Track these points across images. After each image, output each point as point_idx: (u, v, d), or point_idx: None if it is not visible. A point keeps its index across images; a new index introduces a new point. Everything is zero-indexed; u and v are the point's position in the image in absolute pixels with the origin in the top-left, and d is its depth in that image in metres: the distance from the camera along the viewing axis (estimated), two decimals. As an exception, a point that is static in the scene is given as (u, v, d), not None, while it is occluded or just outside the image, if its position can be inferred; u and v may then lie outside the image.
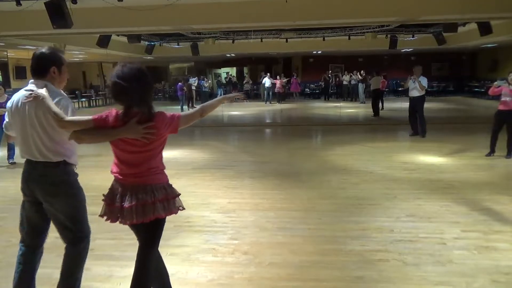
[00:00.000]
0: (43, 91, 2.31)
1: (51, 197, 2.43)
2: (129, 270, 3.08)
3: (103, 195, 2.44)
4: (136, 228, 2.44)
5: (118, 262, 3.26)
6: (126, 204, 2.28)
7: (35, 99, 2.30)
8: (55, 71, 2.47)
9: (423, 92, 8.94)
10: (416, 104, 9.05)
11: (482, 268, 3.04)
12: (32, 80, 2.45)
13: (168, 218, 4.30)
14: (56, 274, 3.05)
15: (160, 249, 3.45)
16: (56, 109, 2.23)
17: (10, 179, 6.16)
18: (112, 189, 2.40)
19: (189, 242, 3.62)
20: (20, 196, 5.27)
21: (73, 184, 2.52)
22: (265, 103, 20.02)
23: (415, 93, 8.99)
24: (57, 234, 3.81)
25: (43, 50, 2.47)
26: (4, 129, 2.62)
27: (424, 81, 8.86)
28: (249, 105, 20.28)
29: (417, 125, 9.23)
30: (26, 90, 2.40)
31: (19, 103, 2.41)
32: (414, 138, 9.15)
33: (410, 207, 4.46)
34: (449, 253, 3.30)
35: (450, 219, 4.06)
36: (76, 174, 2.57)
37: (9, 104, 2.48)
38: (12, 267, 3.20)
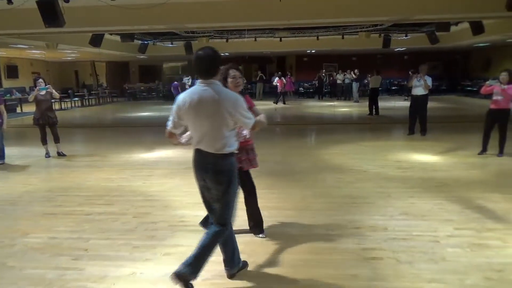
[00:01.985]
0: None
1: (217, 184, 2.70)
2: (124, 270, 3.08)
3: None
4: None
5: (112, 262, 3.24)
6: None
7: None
8: (219, 69, 2.73)
9: (427, 91, 8.99)
10: (420, 103, 9.08)
11: (475, 265, 3.07)
12: (201, 80, 2.65)
13: (162, 218, 4.33)
14: (49, 274, 3.05)
15: (154, 249, 3.46)
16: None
17: (0, 180, 6.11)
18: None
19: (184, 242, 3.60)
20: (10, 197, 5.25)
21: (235, 174, 2.78)
22: (276, 103, 19.29)
23: (419, 91, 8.99)
24: (51, 234, 3.81)
25: (209, 50, 2.63)
26: (170, 127, 2.77)
27: (429, 80, 8.89)
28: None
29: (415, 125, 9.29)
30: (202, 89, 2.61)
31: (197, 101, 2.60)
32: (408, 136, 9.20)
33: (403, 205, 4.48)
34: (442, 251, 3.32)
35: (443, 217, 4.09)
36: (236, 163, 2.86)
37: (180, 102, 2.66)
38: (5, 268, 3.19)
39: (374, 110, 13.43)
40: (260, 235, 3.69)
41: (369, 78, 15.28)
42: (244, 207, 3.64)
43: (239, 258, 3.03)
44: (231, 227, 2.87)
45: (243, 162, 3.44)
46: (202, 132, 2.65)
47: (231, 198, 2.76)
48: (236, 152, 2.83)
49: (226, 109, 2.59)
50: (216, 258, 3.27)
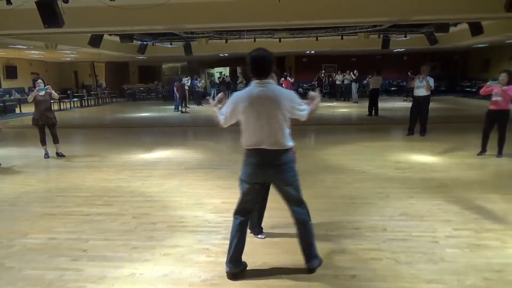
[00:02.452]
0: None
1: (282, 173, 2.85)
2: (122, 271, 3.08)
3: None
4: None
5: (111, 263, 3.24)
6: None
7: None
8: (272, 69, 2.86)
9: (429, 92, 9.01)
10: (422, 104, 9.09)
11: (474, 265, 3.07)
12: (256, 81, 2.77)
13: (161, 218, 4.33)
14: (48, 275, 3.04)
15: (153, 250, 3.46)
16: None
17: None
18: None
19: (182, 242, 3.61)
20: (9, 198, 5.23)
21: (294, 163, 2.98)
22: None
23: (421, 92, 9.00)
24: (50, 235, 3.81)
25: (263, 52, 2.76)
26: (222, 123, 2.94)
27: (431, 81, 8.91)
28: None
29: (415, 126, 9.29)
30: (260, 89, 2.74)
31: (256, 102, 2.73)
32: (407, 137, 9.20)
33: (402, 206, 4.48)
34: (441, 251, 3.32)
35: (442, 218, 4.09)
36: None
37: (239, 102, 2.77)
38: (4, 269, 3.18)
39: (374, 110, 13.43)
40: (259, 236, 3.69)
41: (369, 79, 15.29)
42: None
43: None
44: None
45: None
46: (264, 132, 2.76)
47: (298, 181, 2.97)
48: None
49: (285, 106, 2.75)
50: (215, 259, 3.28)
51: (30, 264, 3.24)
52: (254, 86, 2.78)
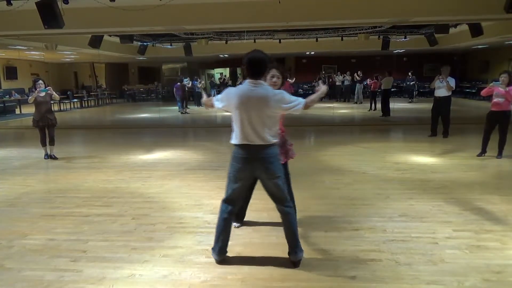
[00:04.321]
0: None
1: (267, 166, 2.99)
2: (122, 272, 3.07)
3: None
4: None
5: (110, 263, 3.23)
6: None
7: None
8: (267, 71, 3.10)
9: (450, 92, 9.02)
10: (443, 104, 9.06)
11: (474, 267, 3.07)
12: (250, 80, 2.95)
13: (161, 219, 4.32)
14: (47, 276, 3.04)
15: (153, 251, 3.46)
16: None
17: None
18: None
19: (182, 243, 3.60)
20: (8, 198, 5.23)
21: (279, 159, 3.15)
22: None
23: (442, 92, 8.99)
24: (49, 236, 3.81)
25: (259, 54, 2.94)
26: (216, 107, 3.17)
27: (452, 81, 8.90)
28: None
29: (437, 126, 9.24)
30: (252, 88, 2.92)
31: (246, 100, 2.90)
32: (406, 138, 9.21)
33: (402, 207, 4.48)
34: (441, 253, 3.32)
35: (442, 219, 4.09)
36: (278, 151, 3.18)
37: (231, 96, 2.96)
38: (3, 270, 3.18)
39: (385, 110, 13.73)
40: (235, 224, 3.91)
41: (381, 80, 15.29)
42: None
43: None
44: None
45: (280, 155, 3.53)
46: (252, 128, 2.92)
47: (282, 179, 3.09)
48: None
49: (273, 105, 2.91)
50: (214, 260, 3.27)
51: (29, 265, 3.23)
52: (247, 85, 2.94)
